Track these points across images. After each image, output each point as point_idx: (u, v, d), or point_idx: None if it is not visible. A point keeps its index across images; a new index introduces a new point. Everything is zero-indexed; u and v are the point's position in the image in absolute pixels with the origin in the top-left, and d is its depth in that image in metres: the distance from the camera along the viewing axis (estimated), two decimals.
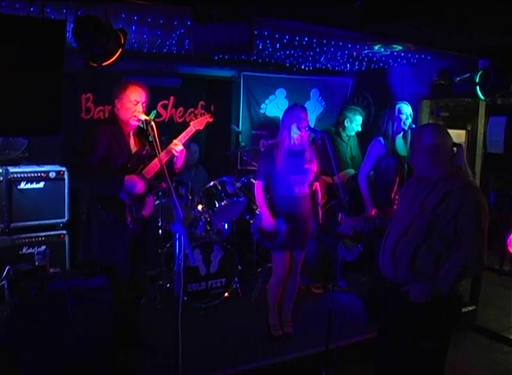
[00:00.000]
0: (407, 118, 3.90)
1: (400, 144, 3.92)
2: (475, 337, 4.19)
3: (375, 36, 3.68)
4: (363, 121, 4.73)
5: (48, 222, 4.23)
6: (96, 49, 2.73)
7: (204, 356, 3.42)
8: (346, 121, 4.61)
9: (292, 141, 3.54)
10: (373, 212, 3.93)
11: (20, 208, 4.08)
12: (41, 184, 4.17)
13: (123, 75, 4.38)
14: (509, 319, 4.49)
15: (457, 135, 5.13)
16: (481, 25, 3.27)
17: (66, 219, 4.30)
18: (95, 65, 2.82)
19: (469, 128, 4.97)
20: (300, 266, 3.76)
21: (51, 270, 3.03)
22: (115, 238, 3.14)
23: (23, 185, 4.09)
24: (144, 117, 3.06)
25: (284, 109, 3.72)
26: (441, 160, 2.41)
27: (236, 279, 4.42)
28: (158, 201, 4.21)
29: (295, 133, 3.51)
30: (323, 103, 5.99)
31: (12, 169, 4.06)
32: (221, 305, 4.28)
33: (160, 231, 4.46)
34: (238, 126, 5.75)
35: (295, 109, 3.54)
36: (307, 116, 3.52)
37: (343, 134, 4.66)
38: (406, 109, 3.91)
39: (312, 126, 3.70)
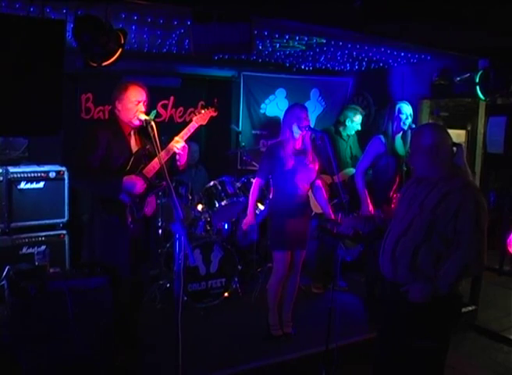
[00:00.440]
0: (406, 118, 3.90)
1: (399, 144, 3.92)
2: (475, 337, 4.19)
3: (375, 36, 3.68)
4: (363, 120, 4.73)
5: (48, 222, 4.23)
6: (96, 49, 2.73)
7: (204, 356, 3.42)
8: (347, 120, 4.62)
9: (295, 141, 3.55)
10: (370, 209, 3.92)
11: (20, 208, 4.08)
12: (41, 184, 4.17)
13: (123, 75, 4.39)
14: (509, 319, 4.49)
15: (457, 135, 5.14)
16: (482, 25, 3.27)
17: (66, 219, 4.30)
18: (95, 65, 2.82)
19: (469, 128, 4.98)
20: (301, 266, 3.76)
21: (51, 270, 3.03)
22: (117, 239, 3.14)
23: (23, 185, 4.09)
24: (144, 117, 3.06)
25: (284, 109, 3.73)
26: (440, 160, 2.41)
27: (236, 279, 4.42)
28: (158, 201, 4.21)
29: (296, 133, 3.52)
30: (323, 103, 5.99)
31: (12, 169, 4.06)
32: (221, 305, 4.28)
33: (160, 231, 4.46)
34: (238, 126, 5.75)
35: (295, 109, 3.55)
36: (307, 115, 3.52)
37: (344, 133, 4.66)
38: (406, 109, 3.91)
39: (312, 126, 3.70)
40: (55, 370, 2.83)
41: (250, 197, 3.68)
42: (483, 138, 4.41)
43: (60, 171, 4.22)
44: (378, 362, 2.73)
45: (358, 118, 4.63)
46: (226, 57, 4.89)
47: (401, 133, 3.93)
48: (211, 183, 4.59)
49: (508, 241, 4.44)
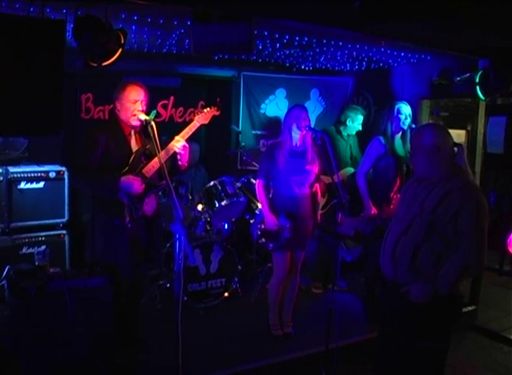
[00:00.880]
0: (406, 118, 3.90)
1: (399, 145, 3.92)
2: (475, 337, 4.19)
3: (375, 36, 3.68)
4: (363, 120, 4.73)
5: (48, 222, 4.22)
6: (96, 49, 2.73)
7: (204, 356, 3.42)
8: (348, 120, 4.62)
9: (294, 142, 3.54)
10: (373, 211, 3.93)
11: (20, 208, 4.08)
12: (41, 184, 4.17)
13: (123, 75, 4.38)
14: (509, 319, 4.49)
15: (457, 135, 5.13)
16: (482, 25, 3.26)
17: (66, 219, 4.30)
18: (95, 65, 2.82)
19: (469, 128, 4.98)
20: (300, 266, 3.76)
21: (51, 270, 3.03)
22: (116, 238, 3.14)
23: (23, 185, 4.09)
24: (143, 117, 3.06)
25: (284, 109, 3.74)
26: (441, 160, 2.41)
27: (236, 279, 4.42)
28: (159, 201, 4.20)
29: (296, 134, 3.51)
30: (323, 103, 5.99)
31: (12, 169, 4.06)
32: (221, 305, 4.28)
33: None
34: (238, 126, 5.75)
35: (295, 109, 3.56)
36: (307, 115, 3.52)
37: (344, 133, 4.66)
38: (405, 109, 3.91)
39: (312, 126, 3.70)
40: (54, 370, 2.84)
41: (260, 199, 3.67)
42: (483, 138, 4.40)
43: (60, 171, 4.21)
44: (379, 362, 2.73)
45: (359, 118, 4.64)
46: (226, 57, 4.89)
47: (400, 133, 3.93)
48: (211, 183, 4.59)
49: (508, 241, 4.44)
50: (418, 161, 2.48)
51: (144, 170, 3.15)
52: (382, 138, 3.90)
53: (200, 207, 4.57)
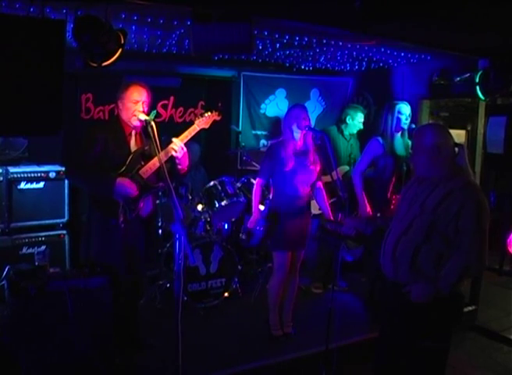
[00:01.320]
0: (406, 118, 3.91)
1: (399, 144, 3.92)
2: (475, 337, 4.19)
3: (374, 36, 3.68)
4: (364, 119, 4.73)
5: (47, 222, 4.23)
6: (96, 49, 2.73)
7: (204, 356, 3.42)
8: (347, 118, 4.62)
9: (296, 142, 3.55)
10: (368, 210, 3.92)
11: (20, 208, 4.08)
12: (41, 184, 4.17)
13: (123, 75, 4.38)
14: (509, 319, 4.49)
15: (457, 135, 5.12)
16: (482, 25, 3.26)
17: (66, 219, 4.30)
18: (95, 65, 2.82)
19: (469, 128, 4.96)
20: (300, 266, 3.76)
21: (51, 270, 3.03)
22: (109, 238, 3.14)
23: (23, 185, 4.09)
24: (144, 117, 3.06)
25: (284, 109, 3.74)
26: (442, 160, 2.41)
27: (236, 279, 4.42)
28: (157, 201, 4.21)
29: (297, 133, 3.52)
30: (323, 103, 5.99)
31: (12, 169, 4.06)
32: (221, 305, 4.28)
33: (160, 231, 4.46)
34: (238, 126, 5.75)
35: (295, 109, 3.56)
36: (307, 115, 3.52)
37: (346, 132, 4.67)
38: (405, 109, 3.91)
39: (312, 126, 3.70)
40: (54, 370, 2.84)
41: (254, 197, 3.68)
42: (483, 138, 4.41)
43: (60, 171, 4.21)
44: (379, 362, 2.73)
45: (360, 116, 4.63)
46: (226, 57, 4.89)
47: (400, 133, 3.93)
48: (211, 183, 4.59)
49: (508, 241, 4.45)
50: (419, 161, 2.48)
51: (141, 171, 3.15)
52: (380, 139, 3.90)
53: (200, 207, 4.57)
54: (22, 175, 4.09)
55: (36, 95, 2.58)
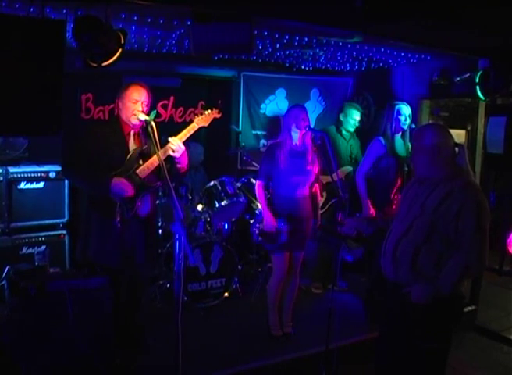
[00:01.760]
0: (405, 119, 3.91)
1: (400, 144, 3.92)
2: (475, 337, 4.19)
3: (375, 36, 3.68)
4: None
5: (48, 222, 4.23)
6: (96, 49, 2.73)
7: (204, 356, 3.42)
8: (341, 115, 4.64)
9: (294, 142, 3.54)
10: (371, 212, 3.92)
11: (20, 208, 4.08)
12: (41, 184, 4.17)
13: (123, 75, 4.38)
14: (509, 319, 4.50)
15: (457, 135, 5.11)
16: (482, 25, 3.26)
17: (66, 219, 4.30)
18: (95, 65, 2.82)
19: (469, 128, 4.97)
20: (300, 266, 3.76)
21: (51, 270, 3.03)
22: (107, 238, 3.14)
23: (23, 185, 4.09)
24: (144, 117, 3.06)
25: (284, 109, 3.73)
26: (442, 160, 2.41)
27: (236, 279, 4.42)
28: (157, 201, 4.21)
29: (296, 133, 3.51)
30: (323, 103, 5.99)
31: (12, 169, 4.06)
32: (221, 305, 4.28)
33: (160, 231, 4.46)
34: (238, 126, 5.75)
35: (294, 109, 3.56)
36: (307, 115, 3.52)
37: (344, 132, 4.67)
38: (405, 110, 3.92)
39: (312, 126, 3.70)
40: (54, 370, 2.84)
41: (259, 200, 3.67)
42: (483, 138, 4.41)
43: (60, 171, 4.21)
44: (380, 362, 2.73)
45: (354, 113, 4.61)
46: (226, 57, 4.88)
47: (400, 133, 3.93)
48: (211, 183, 4.59)
49: (508, 241, 4.45)
50: (419, 161, 2.48)
51: (138, 171, 3.14)
52: (382, 139, 3.90)
53: (200, 207, 4.57)
54: (22, 175, 4.09)
55: (36, 95, 2.58)
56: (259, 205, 4.57)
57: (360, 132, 4.75)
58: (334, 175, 3.30)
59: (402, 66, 5.09)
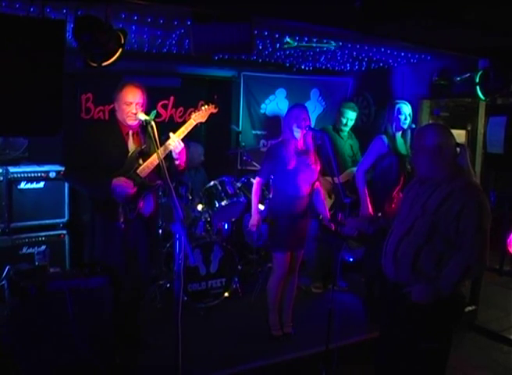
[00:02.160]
0: (405, 118, 3.90)
1: (401, 143, 3.92)
2: (475, 337, 4.19)
3: (375, 36, 3.68)
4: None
5: (48, 222, 4.23)
6: (96, 49, 2.73)
7: (204, 356, 3.42)
8: (338, 114, 4.66)
9: (297, 141, 3.55)
10: (369, 210, 3.92)
11: (20, 208, 4.08)
12: (41, 184, 4.17)
13: (123, 75, 4.37)
14: (509, 319, 4.49)
15: (457, 135, 5.10)
16: (482, 25, 3.26)
17: (66, 219, 4.30)
18: (95, 65, 2.82)
19: (469, 128, 4.97)
20: (299, 266, 3.76)
21: (51, 270, 3.03)
22: (112, 239, 3.14)
23: (23, 185, 4.10)
24: (143, 117, 3.06)
25: (284, 109, 3.74)
26: (444, 160, 2.40)
27: (236, 279, 4.42)
28: (159, 201, 4.20)
29: (297, 133, 3.52)
30: (323, 103, 5.99)
31: (12, 169, 4.06)
32: (221, 305, 4.28)
33: (160, 231, 4.46)
34: (238, 126, 5.75)
35: (295, 109, 3.57)
36: (307, 115, 3.52)
37: (341, 131, 4.67)
38: (405, 109, 3.91)
39: (312, 126, 3.70)
40: (54, 370, 2.84)
41: (253, 197, 3.68)
42: (483, 138, 4.41)
43: (60, 171, 4.20)
44: (380, 362, 2.73)
45: (349, 113, 4.63)
46: (226, 57, 4.88)
47: (401, 132, 3.93)
48: (211, 183, 4.59)
49: (508, 241, 4.45)
50: (420, 161, 2.48)
51: (138, 170, 3.15)
52: (384, 137, 3.89)
53: (200, 207, 4.58)
54: (22, 175, 4.09)
55: (36, 95, 2.58)
56: (260, 206, 4.59)
57: (361, 132, 4.75)
58: (335, 178, 3.29)
59: (402, 66, 5.09)
